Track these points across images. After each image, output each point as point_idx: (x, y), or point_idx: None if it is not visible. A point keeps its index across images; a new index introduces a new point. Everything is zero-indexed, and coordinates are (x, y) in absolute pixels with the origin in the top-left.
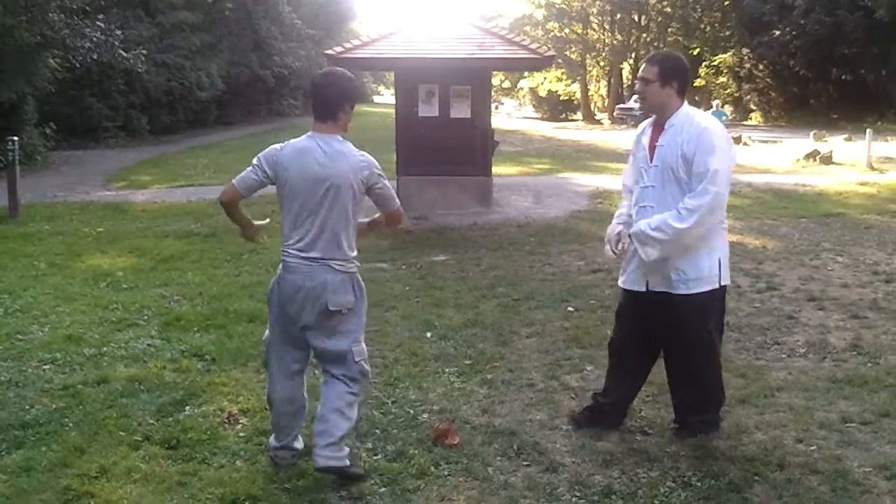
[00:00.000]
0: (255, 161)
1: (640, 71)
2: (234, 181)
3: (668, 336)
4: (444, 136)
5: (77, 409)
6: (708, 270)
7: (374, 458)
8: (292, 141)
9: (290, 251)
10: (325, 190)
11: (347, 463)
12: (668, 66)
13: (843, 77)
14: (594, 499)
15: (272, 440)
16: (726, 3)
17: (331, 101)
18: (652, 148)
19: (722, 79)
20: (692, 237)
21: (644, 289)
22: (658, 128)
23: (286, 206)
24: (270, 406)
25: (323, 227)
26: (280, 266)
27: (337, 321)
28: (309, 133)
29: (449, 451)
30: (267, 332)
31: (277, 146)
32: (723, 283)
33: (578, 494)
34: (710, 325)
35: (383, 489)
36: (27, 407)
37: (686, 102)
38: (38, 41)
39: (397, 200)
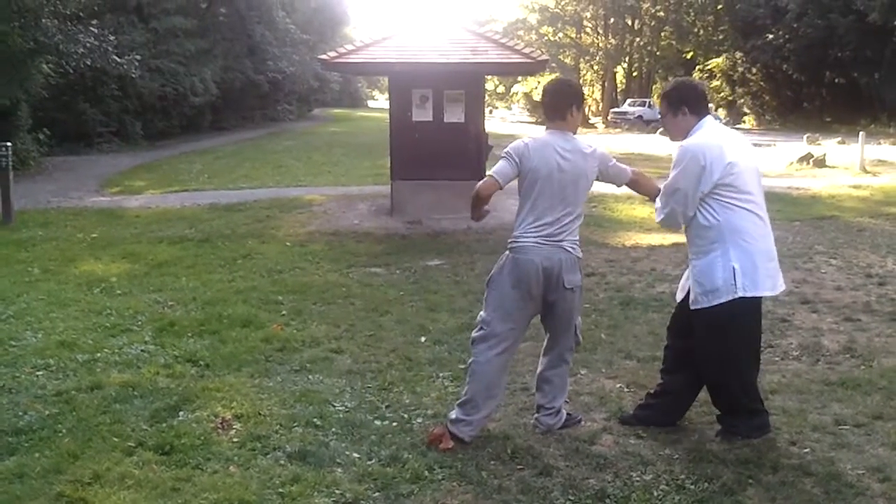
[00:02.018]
0: (505, 154)
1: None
2: (492, 174)
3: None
4: (438, 141)
5: (70, 415)
6: (723, 282)
7: (368, 462)
8: (533, 137)
9: (528, 234)
10: (566, 180)
11: (562, 422)
12: (673, 95)
13: (837, 80)
14: (588, 502)
15: (461, 413)
16: (719, 6)
17: (558, 104)
18: None
19: (715, 82)
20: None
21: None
22: None
23: (527, 193)
24: (474, 378)
25: (562, 212)
26: (511, 250)
27: (570, 297)
28: (548, 131)
29: (443, 455)
30: (483, 313)
31: (521, 142)
32: (741, 295)
33: (572, 498)
34: (730, 341)
35: (377, 494)
36: (20, 413)
37: (708, 117)
38: (31, 47)
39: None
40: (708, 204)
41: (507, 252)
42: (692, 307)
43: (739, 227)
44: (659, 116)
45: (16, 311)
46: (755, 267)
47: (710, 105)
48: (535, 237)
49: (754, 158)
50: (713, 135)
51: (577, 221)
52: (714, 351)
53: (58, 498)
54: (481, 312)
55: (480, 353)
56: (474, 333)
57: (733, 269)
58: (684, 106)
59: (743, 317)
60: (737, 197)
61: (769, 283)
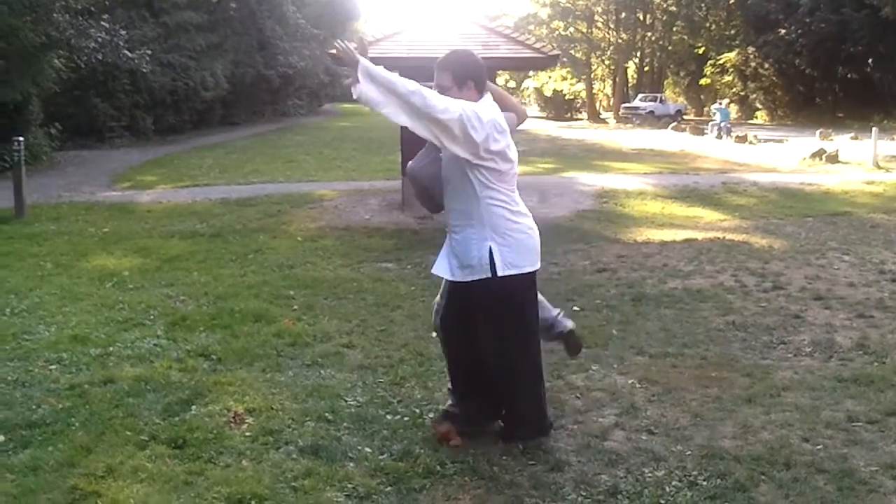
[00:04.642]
0: None
1: (434, 80)
2: None
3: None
4: None
5: (83, 409)
6: (478, 260)
7: (381, 457)
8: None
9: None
10: None
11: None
12: (459, 69)
13: (849, 76)
14: (599, 498)
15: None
16: (731, 1)
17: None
18: None
19: (727, 78)
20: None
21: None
22: None
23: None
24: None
25: None
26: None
27: None
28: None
29: (456, 450)
30: None
31: None
32: (500, 274)
33: (584, 494)
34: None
35: (389, 488)
36: (34, 407)
37: (488, 96)
38: (42, 41)
39: None
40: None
41: None
42: (450, 279)
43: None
44: (441, 88)
45: (28, 305)
46: (517, 246)
47: (725, 100)
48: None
49: None
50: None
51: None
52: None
53: (71, 491)
54: None
55: None
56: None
57: (490, 249)
58: (470, 80)
59: (509, 295)
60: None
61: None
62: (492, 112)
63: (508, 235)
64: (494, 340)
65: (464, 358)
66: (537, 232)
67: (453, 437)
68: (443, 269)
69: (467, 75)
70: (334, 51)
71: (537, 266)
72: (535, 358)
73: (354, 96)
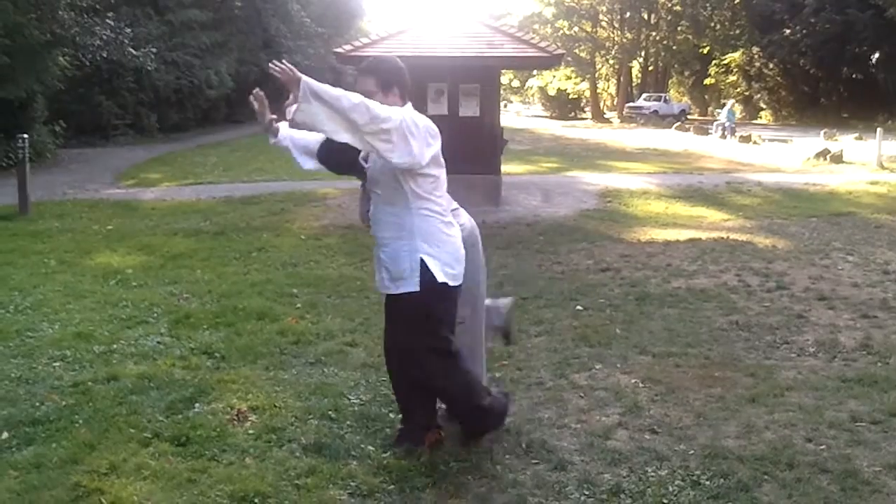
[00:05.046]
0: None
1: (357, 85)
2: None
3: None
4: (453, 135)
5: (87, 406)
6: (409, 272)
7: (384, 455)
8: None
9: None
10: None
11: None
12: (385, 74)
13: (854, 76)
14: (603, 497)
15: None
16: (736, 1)
17: None
18: None
19: (732, 77)
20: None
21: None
22: None
23: None
24: None
25: None
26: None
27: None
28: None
29: (458, 448)
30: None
31: None
32: (440, 281)
33: (587, 493)
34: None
35: (392, 486)
36: (37, 404)
37: (410, 104)
38: (48, 39)
39: None
40: None
41: None
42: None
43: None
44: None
45: (32, 302)
46: (448, 256)
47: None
48: None
49: None
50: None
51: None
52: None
53: (74, 488)
54: None
55: None
56: None
57: (421, 260)
58: (395, 86)
59: (434, 307)
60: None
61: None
62: (423, 118)
63: (442, 245)
64: (418, 351)
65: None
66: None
67: (440, 437)
68: (376, 281)
69: (392, 80)
70: (276, 71)
71: (461, 281)
72: (460, 366)
73: (296, 119)
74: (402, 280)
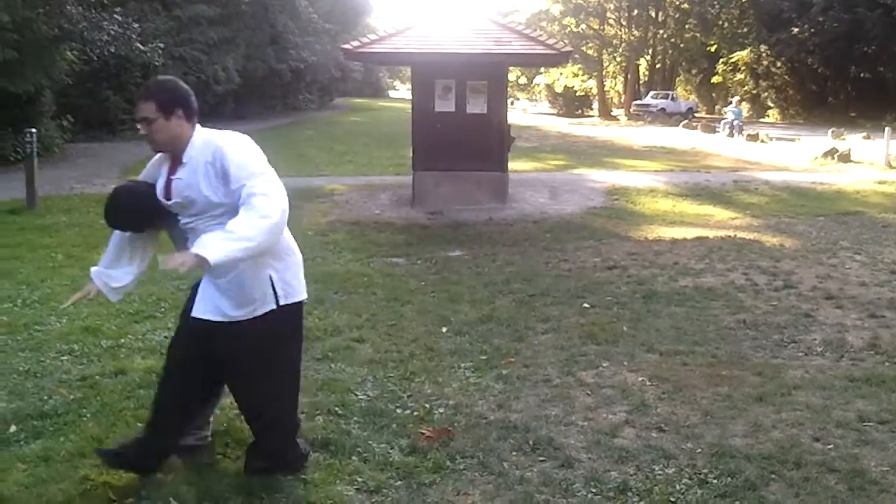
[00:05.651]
0: None
1: (136, 113)
2: None
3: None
4: (461, 132)
5: (95, 400)
6: (261, 293)
7: (390, 451)
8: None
9: None
10: None
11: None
12: (164, 96)
13: (862, 75)
14: (610, 495)
15: None
16: None
17: None
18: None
19: (739, 76)
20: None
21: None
22: (175, 161)
23: None
24: None
25: None
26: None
27: None
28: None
29: (465, 445)
30: None
31: None
32: (283, 303)
33: (594, 490)
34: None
35: (399, 483)
36: (45, 397)
37: (198, 125)
38: (55, 34)
39: None
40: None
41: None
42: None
43: None
44: (139, 124)
45: (40, 296)
46: None
47: (736, 98)
48: None
49: None
50: (231, 133)
51: None
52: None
53: (82, 481)
54: None
55: None
56: None
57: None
58: (179, 108)
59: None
60: None
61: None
62: (242, 142)
63: (285, 260)
64: (260, 379)
65: (176, 403)
66: None
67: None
68: (209, 311)
69: (174, 103)
70: (180, 267)
71: (305, 295)
72: (294, 391)
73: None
74: (253, 303)
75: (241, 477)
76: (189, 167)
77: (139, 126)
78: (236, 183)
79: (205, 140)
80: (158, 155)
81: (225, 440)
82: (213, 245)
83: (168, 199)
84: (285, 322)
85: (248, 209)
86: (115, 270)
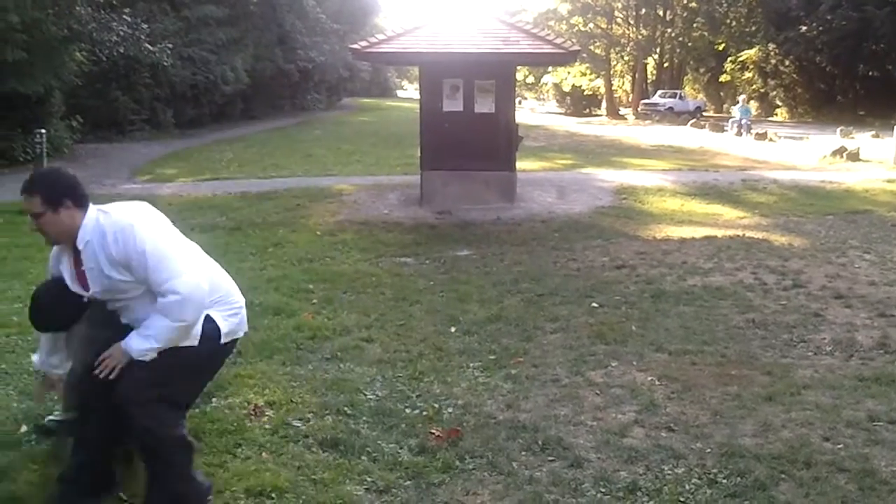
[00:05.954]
0: None
1: (23, 206)
2: None
3: None
4: (469, 131)
5: None
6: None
7: (399, 451)
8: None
9: None
10: None
11: None
12: (48, 190)
13: (871, 73)
14: (619, 495)
15: None
16: None
17: None
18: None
19: (747, 74)
20: None
21: None
22: (76, 251)
23: None
24: None
25: None
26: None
27: None
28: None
29: (474, 445)
30: None
31: None
32: (223, 342)
33: (603, 490)
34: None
35: (408, 482)
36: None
37: (89, 208)
38: (65, 34)
39: None
40: None
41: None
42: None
43: None
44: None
45: None
46: None
47: (743, 96)
48: None
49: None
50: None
51: None
52: None
53: None
54: None
55: None
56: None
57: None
58: (67, 199)
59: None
60: None
61: None
62: (135, 215)
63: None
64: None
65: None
66: None
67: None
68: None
69: (62, 194)
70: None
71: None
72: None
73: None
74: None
75: (252, 479)
76: (88, 253)
77: (29, 220)
78: (141, 273)
79: (94, 224)
80: (55, 248)
81: (234, 440)
82: (134, 343)
83: (87, 290)
84: (212, 352)
85: (163, 312)
86: (54, 357)
